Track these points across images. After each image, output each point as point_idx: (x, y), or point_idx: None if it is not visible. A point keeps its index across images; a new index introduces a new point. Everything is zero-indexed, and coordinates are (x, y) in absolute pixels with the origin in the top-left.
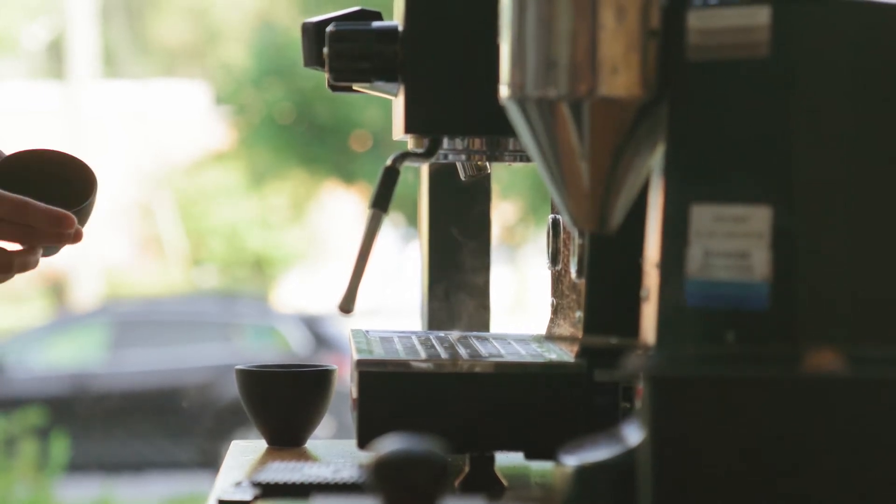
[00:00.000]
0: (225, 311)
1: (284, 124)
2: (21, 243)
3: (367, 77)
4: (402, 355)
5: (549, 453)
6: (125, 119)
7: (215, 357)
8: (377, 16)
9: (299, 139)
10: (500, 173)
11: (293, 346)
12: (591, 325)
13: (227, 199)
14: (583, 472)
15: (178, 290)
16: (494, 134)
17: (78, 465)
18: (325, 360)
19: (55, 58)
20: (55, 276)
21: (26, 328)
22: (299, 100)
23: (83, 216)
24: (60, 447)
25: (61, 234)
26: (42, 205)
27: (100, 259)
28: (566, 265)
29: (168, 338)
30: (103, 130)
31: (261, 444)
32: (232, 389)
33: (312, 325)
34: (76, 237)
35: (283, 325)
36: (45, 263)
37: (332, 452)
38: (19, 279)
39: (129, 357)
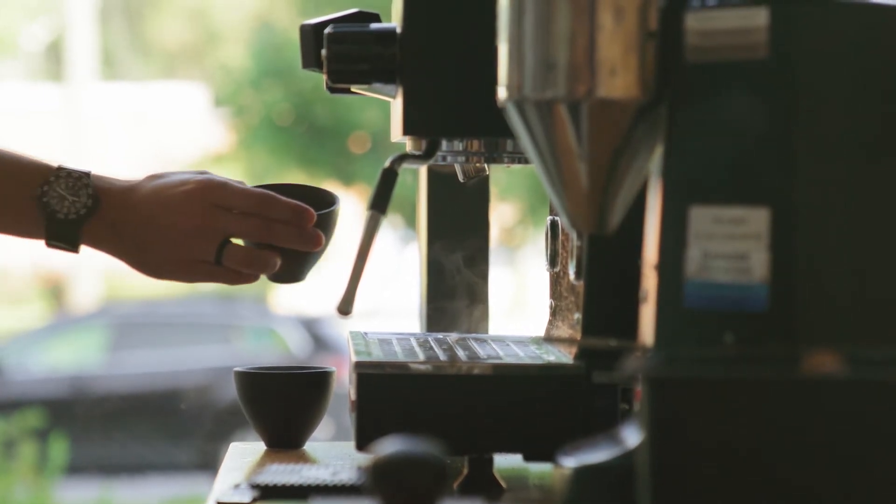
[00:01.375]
0: (224, 313)
1: (283, 126)
2: (263, 239)
3: (365, 79)
4: (400, 357)
5: (547, 455)
6: (125, 120)
7: (214, 359)
8: (375, 17)
9: (298, 140)
10: (499, 175)
11: (292, 348)
12: (590, 326)
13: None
14: (581, 473)
15: (177, 292)
16: (493, 136)
17: (77, 467)
18: (324, 362)
19: (54, 59)
20: (54, 278)
21: (25, 330)
22: (298, 101)
23: (325, 224)
24: (59, 449)
25: (302, 228)
26: (284, 198)
27: (99, 261)
28: (565, 267)
29: (167, 340)
30: (103, 132)
31: (259, 447)
32: (231, 391)
33: (311, 326)
34: (316, 240)
35: (282, 327)
36: (44, 265)
37: (331, 454)
38: (18, 281)
39: (129, 359)
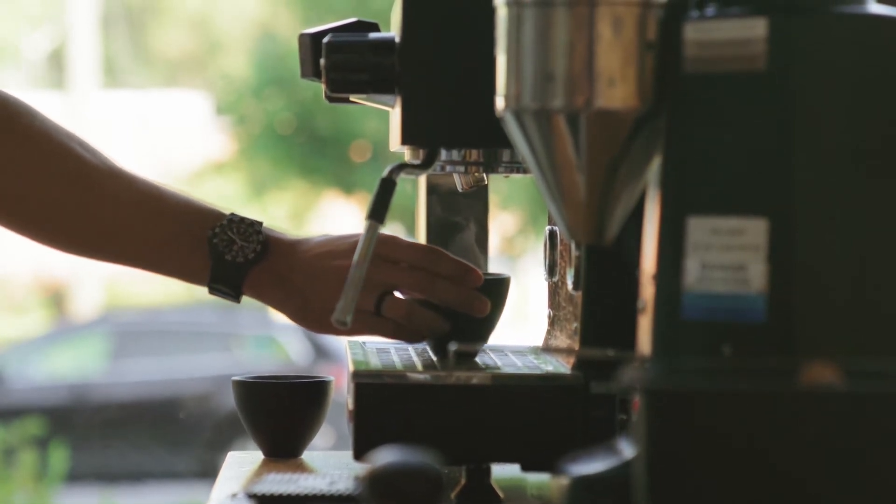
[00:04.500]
0: (225, 322)
1: (284, 135)
2: (425, 293)
3: (363, 88)
4: (398, 367)
5: (545, 465)
6: (126, 129)
7: (215, 367)
8: (374, 27)
9: (299, 149)
10: (500, 184)
11: (293, 357)
12: (588, 336)
13: (228, 208)
14: (579, 484)
15: (177, 300)
16: (491, 146)
17: (77, 475)
18: (325, 371)
19: (56, 67)
20: (55, 286)
21: (26, 338)
22: (299, 110)
23: (492, 293)
24: (60, 457)
25: (465, 287)
26: (452, 256)
27: (100, 269)
28: (563, 277)
29: (168, 348)
30: (105, 139)
31: (257, 456)
32: (231, 400)
33: (312, 335)
34: (479, 304)
35: (283, 336)
36: (46, 271)
37: (329, 464)
38: (19, 289)
39: (129, 367)
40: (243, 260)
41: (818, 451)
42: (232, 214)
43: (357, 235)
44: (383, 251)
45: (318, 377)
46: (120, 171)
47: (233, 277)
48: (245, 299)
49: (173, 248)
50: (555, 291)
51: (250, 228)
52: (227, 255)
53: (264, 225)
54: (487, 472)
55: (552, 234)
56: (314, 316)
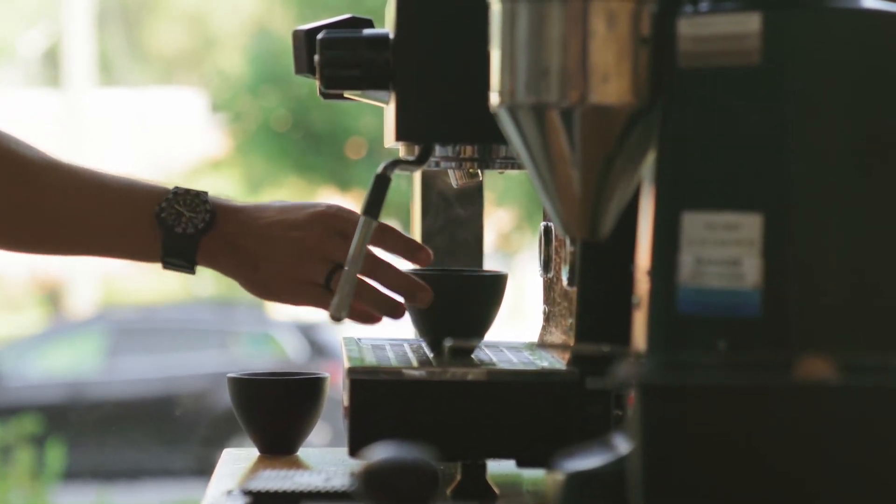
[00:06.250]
0: (221, 319)
1: (280, 131)
2: (368, 275)
3: (358, 84)
4: (393, 363)
5: (541, 461)
6: (122, 126)
7: (211, 365)
8: (368, 23)
9: (295, 146)
10: (496, 180)
11: (289, 354)
12: (583, 332)
13: None
14: (575, 479)
15: (174, 297)
16: (485, 142)
17: (73, 473)
18: (321, 368)
19: (52, 65)
20: (51, 284)
21: (22, 336)
22: (295, 107)
23: (489, 289)
24: (56, 455)
25: (408, 277)
26: (403, 234)
27: (96, 266)
28: (558, 272)
29: (164, 345)
30: (101, 137)
31: (253, 452)
32: (227, 397)
33: (308, 332)
34: (423, 296)
35: (279, 333)
36: (42, 268)
37: (325, 460)
38: (15, 287)
39: (126, 365)
40: (193, 231)
41: (813, 445)
42: (176, 188)
43: (315, 205)
44: (339, 225)
45: (314, 374)
46: (58, 163)
47: (185, 249)
48: (241, 296)
49: (122, 231)
50: (550, 287)
51: (196, 199)
52: (176, 228)
53: (210, 194)
54: (483, 468)
55: (547, 231)
56: (263, 282)
